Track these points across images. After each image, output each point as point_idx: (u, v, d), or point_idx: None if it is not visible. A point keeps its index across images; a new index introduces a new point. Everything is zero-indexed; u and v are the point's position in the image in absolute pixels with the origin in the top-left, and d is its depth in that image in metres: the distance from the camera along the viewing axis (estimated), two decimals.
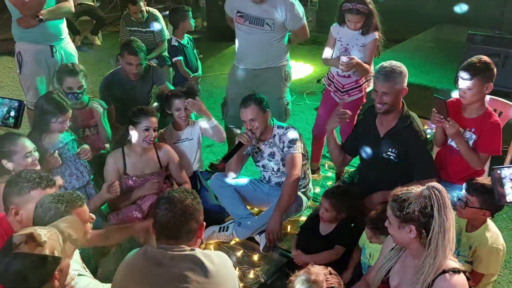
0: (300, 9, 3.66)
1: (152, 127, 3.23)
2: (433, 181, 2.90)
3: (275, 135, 3.35)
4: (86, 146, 3.30)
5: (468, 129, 3.00)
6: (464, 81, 2.90)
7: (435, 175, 3.02)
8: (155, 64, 4.37)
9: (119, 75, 4.01)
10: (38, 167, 2.77)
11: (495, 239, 2.69)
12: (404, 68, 2.96)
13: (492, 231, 2.72)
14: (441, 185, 2.02)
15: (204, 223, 2.06)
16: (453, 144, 3.08)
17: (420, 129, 3.02)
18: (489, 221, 2.73)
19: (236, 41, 3.87)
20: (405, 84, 2.97)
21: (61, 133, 3.24)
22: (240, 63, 3.89)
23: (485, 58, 2.94)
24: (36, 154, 2.79)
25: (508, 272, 3.05)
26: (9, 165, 2.67)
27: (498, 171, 1.44)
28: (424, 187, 2.03)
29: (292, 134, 3.29)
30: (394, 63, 2.97)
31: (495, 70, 2.92)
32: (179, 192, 2.03)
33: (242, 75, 3.86)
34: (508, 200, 1.46)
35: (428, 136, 3.32)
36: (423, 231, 2.00)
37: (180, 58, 4.65)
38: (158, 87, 4.21)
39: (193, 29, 4.79)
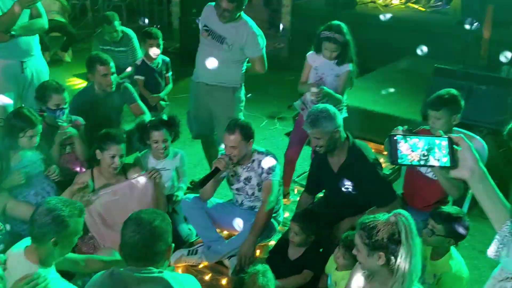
0: (261, 40, 3.83)
1: (118, 154, 3.18)
2: (397, 206, 3.03)
3: (254, 160, 3.37)
4: (54, 166, 3.25)
5: None
6: (433, 111, 3.03)
7: (395, 198, 3.13)
8: (126, 83, 4.35)
9: (89, 93, 3.98)
10: None
11: (459, 267, 2.78)
12: (330, 111, 3.06)
13: (456, 259, 2.80)
14: (406, 212, 2.09)
15: (173, 245, 2.06)
16: (422, 170, 3.18)
17: (370, 158, 3.14)
18: (453, 250, 2.82)
19: (197, 55, 4.00)
20: (337, 124, 3.06)
21: (30, 150, 3.19)
22: (196, 77, 4.02)
23: (453, 91, 3.09)
24: None
25: None
26: None
27: (395, 137, 1.56)
28: (391, 214, 2.08)
29: (272, 161, 3.33)
30: (320, 108, 3.08)
31: (462, 102, 3.07)
32: (147, 213, 2.00)
33: (197, 89, 4.02)
34: (399, 163, 1.59)
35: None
36: (392, 257, 2.04)
37: (141, 77, 4.64)
38: (129, 105, 4.19)
39: (160, 52, 4.75)
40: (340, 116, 3.14)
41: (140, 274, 1.93)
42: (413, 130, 3.06)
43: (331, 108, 3.09)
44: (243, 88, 4.03)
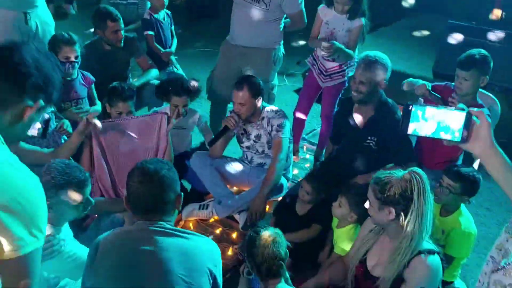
0: None
1: (125, 111, 3.21)
2: (414, 166, 3.03)
3: (263, 117, 3.35)
4: (66, 122, 3.26)
5: None
6: (462, 71, 2.98)
7: (415, 160, 3.10)
8: (133, 36, 4.29)
9: (96, 48, 3.94)
10: None
11: (468, 224, 2.81)
12: (387, 62, 3.00)
13: (465, 216, 2.84)
14: (422, 170, 2.10)
15: (182, 194, 1.98)
16: None
17: (398, 116, 3.08)
18: (463, 207, 2.85)
19: (232, 15, 3.84)
20: (385, 78, 2.99)
21: None
22: (231, 39, 3.86)
23: (484, 51, 3.02)
24: None
25: (476, 255, 3.18)
26: None
27: (411, 108, 1.57)
28: (406, 171, 2.11)
29: (282, 118, 3.31)
30: (380, 55, 3.00)
31: (491, 64, 3.00)
32: (153, 162, 1.93)
33: (232, 51, 3.83)
34: (408, 133, 1.62)
35: None
36: (402, 213, 2.09)
37: (151, 32, 4.50)
38: (136, 59, 4.15)
39: (166, 5, 4.61)
40: (390, 71, 3.05)
41: (154, 227, 1.87)
42: (431, 91, 3.04)
43: (388, 60, 3.02)
44: (281, 47, 3.88)
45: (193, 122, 3.67)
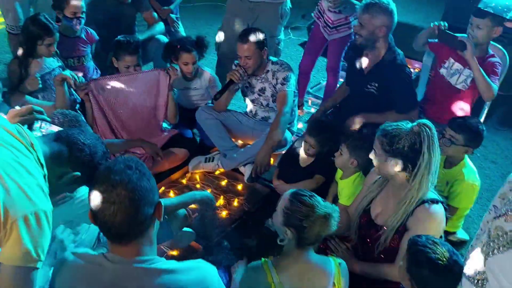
0: None
1: (132, 64, 3.24)
2: (415, 115, 3.02)
3: (268, 70, 3.33)
4: (74, 75, 3.26)
5: (467, 67, 3.06)
6: (477, 19, 2.95)
7: (416, 107, 3.10)
8: None
9: (103, 2, 3.88)
10: None
11: (471, 176, 2.83)
12: (390, 8, 2.91)
13: (469, 168, 2.85)
14: (430, 123, 2.09)
15: (161, 201, 1.53)
16: (452, 80, 3.15)
17: (404, 64, 3.04)
18: (467, 158, 2.86)
19: None
20: (386, 24, 2.91)
21: (48, 58, 3.20)
22: None
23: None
24: None
25: (479, 207, 3.22)
26: None
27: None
28: (415, 123, 2.09)
29: (287, 71, 3.28)
30: (386, 0, 2.92)
31: (508, 15, 2.95)
32: (118, 172, 1.45)
33: (239, 7, 3.73)
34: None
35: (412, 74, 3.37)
36: (409, 165, 2.09)
37: None
38: (143, 14, 4.10)
39: None
40: (395, 19, 2.95)
41: (137, 265, 1.47)
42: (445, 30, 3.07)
43: (392, 5, 2.93)
44: (288, 1, 3.76)
45: (204, 82, 3.65)
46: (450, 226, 2.93)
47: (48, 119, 2.01)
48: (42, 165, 1.61)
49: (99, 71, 3.76)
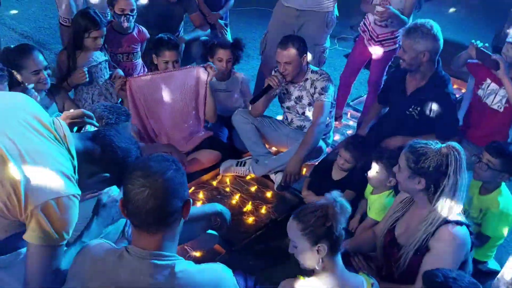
0: None
1: (171, 60, 3.29)
2: (454, 140, 2.95)
3: (307, 79, 3.32)
4: (120, 72, 3.36)
5: (502, 87, 3.00)
6: None
7: (456, 134, 3.03)
8: None
9: (151, 0, 3.97)
10: (47, 86, 2.90)
11: (507, 205, 2.74)
12: (433, 32, 2.84)
13: (505, 196, 2.76)
14: (460, 146, 2.06)
15: (190, 200, 1.59)
16: (488, 101, 3.08)
17: (450, 92, 2.97)
18: (504, 186, 2.77)
19: None
20: (430, 49, 2.84)
21: (95, 51, 3.30)
22: (285, 1, 3.75)
23: None
24: (46, 72, 2.85)
25: None
26: (18, 77, 2.71)
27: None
28: (444, 144, 2.07)
29: (326, 81, 3.27)
30: (428, 23, 2.86)
31: None
32: (157, 161, 1.55)
33: (285, 13, 3.73)
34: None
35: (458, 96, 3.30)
36: (432, 186, 2.07)
37: None
38: (190, 15, 4.16)
39: None
40: (441, 42, 2.88)
41: (155, 260, 1.50)
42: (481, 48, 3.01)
43: (436, 28, 2.86)
44: (335, 10, 3.76)
45: (236, 85, 3.69)
46: (481, 255, 2.84)
47: (97, 124, 2.05)
48: (72, 156, 1.66)
49: (146, 69, 3.84)
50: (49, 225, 1.55)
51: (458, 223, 2.06)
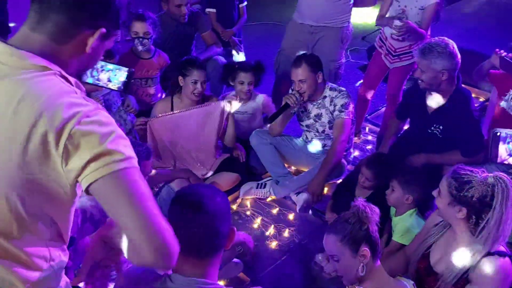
0: None
1: (200, 80, 3.22)
2: (480, 158, 2.87)
3: (325, 96, 3.27)
4: (130, 99, 3.33)
5: None
6: None
7: (482, 151, 2.93)
8: (197, 10, 4.27)
9: (162, 21, 3.94)
10: None
11: None
12: (449, 49, 2.76)
13: None
14: (508, 177, 1.96)
15: (235, 228, 1.60)
16: None
17: (472, 109, 2.90)
18: None
19: None
20: (448, 66, 2.76)
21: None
22: (299, 18, 3.73)
23: None
24: None
25: None
26: None
27: (498, 134, 1.48)
28: (491, 174, 1.97)
29: (346, 98, 3.22)
30: (443, 42, 2.79)
31: None
32: (206, 187, 1.63)
33: (299, 31, 3.71)
34: (498, 161, 1.53)
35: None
36: (474, 217, 1.98)
37: (213, 9, 4.42)
38: (202, 34, 4.13)
39: None
40: (458, 58, 2.81)
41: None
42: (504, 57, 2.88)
43: (452, 46, 2.80)
44: (350, 24, 3.74)
45: (257, 107, 3.63)
46: None
47: None
48: None
49: (163, 95, 3.80)
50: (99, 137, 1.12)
51: (501, 254, 1.97)
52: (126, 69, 1.73)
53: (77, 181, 1.15)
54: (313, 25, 3.63)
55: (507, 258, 1.98)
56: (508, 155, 1.47)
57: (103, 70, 1.71)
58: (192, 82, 3.22)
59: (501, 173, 1.97)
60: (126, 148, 1.14)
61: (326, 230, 2.00)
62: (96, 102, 1.18)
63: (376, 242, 1.92)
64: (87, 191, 1.13)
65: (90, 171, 1.10)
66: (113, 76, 1.72)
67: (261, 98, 3.62)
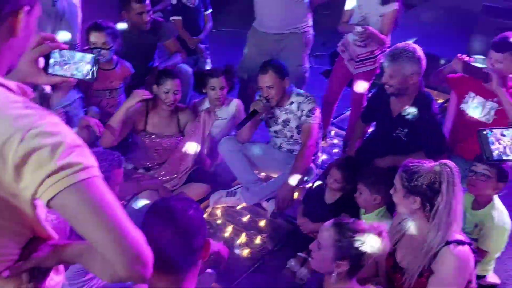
0: None
1: (172, 90, 3.21)
2: (445, 157, 2.97)
3: (292, 102, 3.31)
4: (93, 110, 3.28)
5: (489, 99, 3.02)
6: (497, 53, 2.89)
7: (445, 152, 3.04)
8: (160, 18, 4.24)
9: (124, 30, 3.89)
10: None
11: (501, 218, 2.75)
12: (417, 53, 2.85)
13: (499, 209, 2.77)
14: (453, 163, 2.07)
15: (211, 241, 1.56)
16: (475, 115, 3.09)
17: (435, 112, 2.99)
18: (496, 200, 2.78)
19: (254, 1, 3.70)
20: (415, 71, 2.85)
21: (69, 89, 3.20)
22: (261, 26, 3.73)
23: None
24: None
25: (510, 247, 3.08)
26: None
27: (484, 132, 1.57)
28: (436, 163, 2.08)
29: (312, 103, 3.27)
30: (410, 47, 2.86)
31: None
32: (178, 200, 1.55)
33: (263, 39, 3.71)
34: (494, 158, 1.64)
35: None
36: (427, 204, 2.07)
37: (178, 17, 4.38)
38: (165, 42, 4.10)
39: None
40: (425, 62, 2.90)
41: None
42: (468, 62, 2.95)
43: (419, 50, 2.88)
44: (311, 28, 3.75)
45: (231, 111, 3.62)
46: (480, 269, 2.82)
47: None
48: None
49: None
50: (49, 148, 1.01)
51: (459, 242, 2.05)
52: (92, 55, 1.59)
53: (34, 198, 1.04)
54: (277, 33, 3.66)
55: (466, 246, 2.05)
56: (504, 147, 1.55)
57: (67, 60, 1.57)
58: (165, 91, 3.21)
59: (446, 160, 2.08)
60: (82, 156, 1.03)
61: (332, 220, 2.06)
62: (42, 108, 1.08)
63: (360, 266, 1.95)
64: (49, 207, 1.03)
65: (45, 188, 1.00)
66: (78, 65, 1.58)
67: (235, 102, 3.61)
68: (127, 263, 1.04)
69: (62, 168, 1.00)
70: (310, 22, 3.74)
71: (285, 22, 3.62)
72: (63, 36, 3.43)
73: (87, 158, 1.04)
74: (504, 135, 1.61)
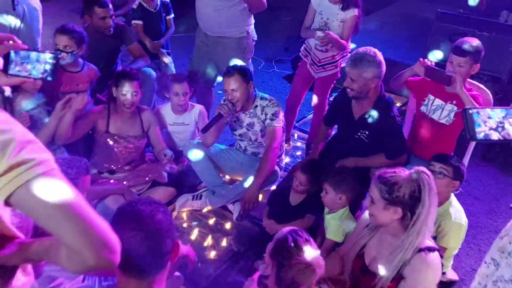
0: None
1: (130, 91, 3.20)
2: (404, 159, 3.07)
3: (257, 105, 3.34)
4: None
5: (449, 102, 3.13)
6: (458, 57, 2.99)
7: (405, 154, 3.13)
8: (122, 23, 4.20)
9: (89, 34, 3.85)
10: None
11: (458, 215, 2.85)
12: (378, 58, 2.91)
13: (456, 207, 2.87)
14: (427, 169, 2.09)
15: (179, 242, 1.58)
16: (434, 116, 3.19)
17: (395, 115, 3.06)
18: (453, 198, 2.88)
19: (196, 2, 3.73)
20: (376, 75, 2.92)
21: (34, 92, 3.14)
22: (202, 27, 3.77)
23: (477, 39, 3.05)
24: None
25: (465, 244, 3.24)
26: None
27: (470, 111, 1.64)
28: (413, 171, 2.09)
29: (276, 106, 3.31)
30: (371, 51, 2.93)
31: (483, 53, 3.03)
32: (146, 204, 1.51)
33: (205, 39, 3.78)
34: (478, 138, 1.70)
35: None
36: (408, 213, 2.08)
37: (139, 21, 4.35)
38: (127, 47, 4.07)
39: None
40: (383, 67, 2.95)
41: None
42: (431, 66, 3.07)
43: (379, 54, 2.94)
44: (252, 34, 3.77)
45: (195, 117, 3.65)
46: None
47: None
48: None
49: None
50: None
51: (430, 249, 2.09)
52: (50, 55, 1.57)
53: None
54: (211, 35, 3.72)
55: (436, 252, 2.11)
56: (489, 129, 1.62)
57: (25, 60, 1.57)
58: (122, 93, 3.20)
59: (420, 167, 2.10)
60: (34, 152, 1.02)
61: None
62: None
63: (280, 274, 1.96)
64: (8, 206, 1.03)
65: (1, 186, 0.99)
66: (37, 64, 1.57)
67: (198, 108, 3.63)
68: (95, 251, 1.03)
69: (15, 166, 0.99)
70: (250, 28, 3.75)
71: (218, 26, 3.64)
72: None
73: (40, 152, 1.04)
74: (490, 118, 1.67)
